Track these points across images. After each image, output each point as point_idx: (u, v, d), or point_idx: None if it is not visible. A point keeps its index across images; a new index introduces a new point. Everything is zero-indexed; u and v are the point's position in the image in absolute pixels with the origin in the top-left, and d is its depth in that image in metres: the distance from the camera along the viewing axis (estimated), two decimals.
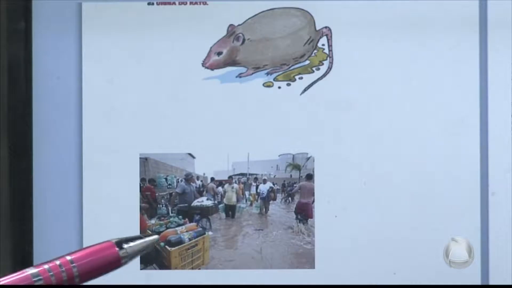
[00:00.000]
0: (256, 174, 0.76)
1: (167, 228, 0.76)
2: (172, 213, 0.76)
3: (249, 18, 0.75)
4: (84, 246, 0.74)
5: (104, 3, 0.75)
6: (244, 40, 0.75)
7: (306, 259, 0.75)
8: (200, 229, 0.76)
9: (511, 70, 0.74)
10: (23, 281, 0.39)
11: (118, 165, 0.75)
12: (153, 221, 0.76)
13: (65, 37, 0.75)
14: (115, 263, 0.41)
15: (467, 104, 0.74)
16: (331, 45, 0.75)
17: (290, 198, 0.76)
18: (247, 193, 0.76)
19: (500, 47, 0.74)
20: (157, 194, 0.76)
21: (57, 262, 0.39)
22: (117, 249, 0.40)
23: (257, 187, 0.76)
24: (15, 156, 0.75)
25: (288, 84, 0.75)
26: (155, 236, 0.42)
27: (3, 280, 0.39)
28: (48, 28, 0.75)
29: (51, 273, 0.39)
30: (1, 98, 0.74)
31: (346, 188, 0.75)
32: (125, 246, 0.41)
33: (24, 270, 0.39)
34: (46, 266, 0.39)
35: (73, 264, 0.40)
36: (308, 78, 0.75)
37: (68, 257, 0.40)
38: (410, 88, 0.75)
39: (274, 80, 0.75)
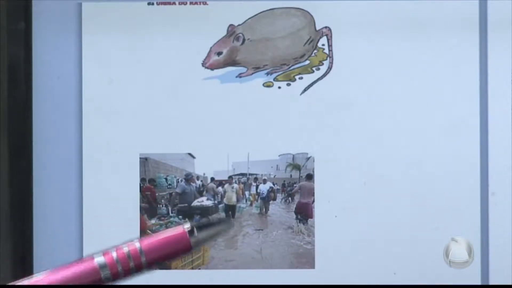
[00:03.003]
0: (256, 174, 0.76)
1: (167, 228, 0.76)
2: (172, 213, 0.76)
3: (249, 18, 0.75)
4: (84, 246, 0.75)
5: (104, 3, 0.75)
6: (244, 40, 0.75)
7: (306, 259, 0.75)
8: None
9: (511, 70, 0.74)
10: (90, 272, 0.37)
11: (118, 165, 0.75)
12: (153, 221, 0.76)
13: (65, 37, 0.75)
14: (184, 252, 0.38)
15: (467, 104, 0.74)
16: (331, 45, 0.75)
17: (290, 198, 0.76)
18: (247, 193, 0.76)
19: (500, 47, 0.74)
20: (157, 194, 0.76)
21: (126, 250, 0.37)
22: (189, 238, 0.38)
23: (257, 187, 0.76)
24: (15, 156, 0.75)
25: (288, 84, 0.75)
26: (229, 223, 0.40)
27: (68, 268, 0.37)
28: (48, 28, 0.75)
29: (119, 265, 0.37)
30: (1, 98, 0.74)
31: (346, 188, 0.75)
32: (197, 233, 0.38)
33: (91, 257, 0.37)
34: (114, 255, 0.37)
35: (142, 254, 0.37)
36: (308, 78, 0.75)
37: (138, 245, 0.37)
38: (410, 88, 0.75)
39: (274, 80, 0.75)
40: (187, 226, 0.38)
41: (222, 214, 0.76)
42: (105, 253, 0.37)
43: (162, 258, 0.38)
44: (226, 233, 0.40)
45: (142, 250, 0.37)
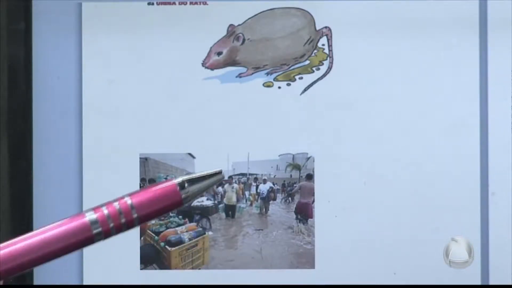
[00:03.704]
0: (256, 174, 0.76)
1: (167, 228, 0.76)
2: (172, 213, 0.76)
3: (249, 18, 0.75)
4: None
5: (104, 3, 0.75)
6: (244, 40, 0.75)
7: (306, 259, 0.75)
8: (200, 229, 0.76)
9: (511, 70, 0.74)
10: (81, 228, 0.36)
11: (118, 165, 0.75)
12: (153, 221, 0.76)
13: (65, 37, 0.75)
14: (176, 206, 0.38)
15: (467, 104, 0.74)
16: (331, 45, 0.75)
17: (290, 198, 0.76)
18: (247, 193, 0.76)
19: (500, 47, 0.74)
20: None
21: (117, 207, 0.37)
22: (180, 192, 0.37)
23: (257, 187, 0.76)
24: (15, 156, 0.75)
25: (288, 84, 0.75)
26: (219, 175, 0.38)
27: (59, 225, 0.37)
28: (48, 28, 0.75)
29: (110, 221, 0.36)
30: (1, 98, 0.74)
31: (346, 188, 0.75)
32: (188, 186, 0.37)
33: (82, 214, 0.37)
34: (105, 212, 0.37)
35: (134, 210, 0.37)
36: (308, 78, 0.75)
37: (129, 201, 0.37)
38: (410, 88, 0.75)
39: (274, 80, 0.75)
40: (177, 180, 0.38)
41: (222, 214, 0.76)
42: (96, 209, 0.37)
43: (154, 213, 0.37)
44: (216, 184, 0.39)
45: (134, 206, 0.37)
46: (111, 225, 0.37)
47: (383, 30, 0.74)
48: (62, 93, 0.75)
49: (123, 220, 0.37)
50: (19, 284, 0.74)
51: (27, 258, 0.37)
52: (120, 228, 0.37)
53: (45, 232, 0.37)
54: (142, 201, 0.37)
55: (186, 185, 0.37)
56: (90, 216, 0.37)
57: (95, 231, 0.36)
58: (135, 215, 0.37)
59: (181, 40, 0.75)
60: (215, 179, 0.38)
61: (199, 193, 0.38)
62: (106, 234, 0.37)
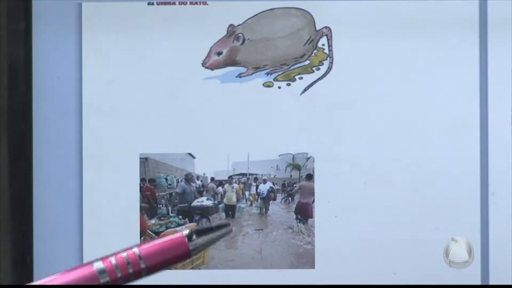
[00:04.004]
0: (256, 174, 0.76)
1: (167, 228, 0.76)
2: (172, 213, 0.76)
3: (249, 18, 0.75)
4: (84, 246, 0.75)
5: (104, 3, 0.75)
6: (244, 40, 0.75)
7: (306, 259, 0.75)
8: None
9: (511, 70, 0.74)
10: (89, 278, 0.37)
11: (118, 165, 0.75)
12: (153, 221, 0.76)
13: (65, 37, 0.75)
14: (184, 258, 0.38)
15: (467, 104, 0.74)
16: (331, 45, 0.75)
17: (290, 198, 0.76)
18: (247, 193, 0.76)
19: (500, 47, 0.74)
20: (157, 194, 0.76)
21: (124, 256, 0.37)
22: (188, 244, 0.38)
23: (257, 187, 0.76)
24: (15, 156, 0.75)
25: (288, 84, 0.75)
26: (228, 227, 0.39)
27: (66, 274, 0.37)
28: (48, 28, 0.75)
29: (118, 272, 0.37)
30: (1, 98, 0.74)
31: (346, 188, 0.75)
32: (196, 238, 0.38)
33: (89, 264, 0.37)
34: (113, 261, 0.37)
35: (142, 260, 0.37)
36: (308, 78, 0.75)
37: (137, 251, 0.37)
38: (410, 88, 0.75)
39: (274, 80, 0.75)
40: (185, 232, 0.38)
41: (222, 214, 0.76)
42: (104, 259, 0.37)
43: (161, 264, 0.38)
44: (225, 238, 0.39)
45: (141, 256, 0.37)
46: (119, 275, 0.37)
47: (383, 30, 0.74)
48: (62, 93, 0.75)
49: (130, 270, 0.37)
50: (19, 284, 0.74)
51: None
52: (128, 278, 0.37)
53: (55, 281, 0.37)
54: (150, 252, 0.38)
55: (194, 237, 0.38)
56: (98, 266, 0.37)
57: (102, 281, 0.37)
58: (143, 266, 0.37)
59: (181, 40, 0.75)
60: (224, 232, 0.38)
61: (208, 245, 0.38)
62: (114, 283, 0.37)
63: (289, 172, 0.76)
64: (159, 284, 0.75)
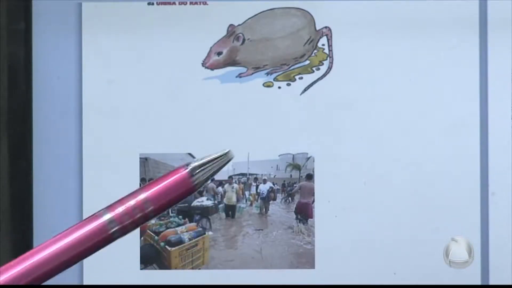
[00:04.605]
0: (256, 174, 0.76)
1: (167, 228, 0.76)
2: (172, 213, 0.76)
3: (249, 18, 0.75)
4: None
5: (104, 3, 0.75)
6: (244, 40, 0.75)
7: (306, 259, 0.75)
8: (200, 229, 0.76)
9: (511, 70, 0.74)
10: (99, 231, 0.37)
11: (118, 165, 0.75)
12: (153, 221, 0.76)
13: (65, 37, 0.75)
14: (188, 193, 0.38)
15: (467, 104, 0.74)
16: (331, 45, 0.75)
17: (290, 198, 0.76)
18: (247, 193, 0.76)
19: (500, 47, 0.74)
20: None
21: (132, 203, 0.37)
22: (191, 180, 0.37)
23: (257, 187, 0.76)
24: (15, 156, 0.75)
25: (288, 84, 0.75)
26: (228, 155, 0.38)
27: (75, 229, 0.37)
28: (48, 28, 0.75)
29: (127, 218, 0.37)
30: (1, 98, 0.74)
31: (346, 188, 0.75)
32: (198, 172, 0.37)
33: (97, 214, 0.37)
34: (120, 209, 0.37)
35: (148, 203, 0.37)
36: (308, 78, 0.75)
37: (143, 196, 0.37)
38: (410, 88, 0.75)
39: (274, 80, 0.75)
40: (187, 168, 0.37)
41: (222, 214, 0.76)
42: (110, 208, 0.37)
43: (167, 203, 0.37)
44: (227, 165, 0.39)
45: (147, 199, 0.37)
46: (128, 221, 0.37)
47: (383, 30, 0.74)
48: (62, 93, 0.75)
49: (138, 215, 0.37)
50: (19, 284, 0.74)
51: (48, 268, 0.37)
52: (137, 223, 0.37)
53: (63, 239, 0.37)
54: (156, 194, 0.37)
55: (196, 171, 0.37)
56: (106, 216, 0.37)
57: (112, 230, 0.37)
58: (150, 209, 0.37)
59: (181, 40, 0.75)
60: (225, 160, 0.38)
61: (211, 177, 0.38)
62: (123, 231, 0.37)
63: (289, 172, 0.76)
64: (159, 284, 0.75)
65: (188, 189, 0.37)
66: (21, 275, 0.36)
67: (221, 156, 0.38)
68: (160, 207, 0.37)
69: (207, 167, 0.38)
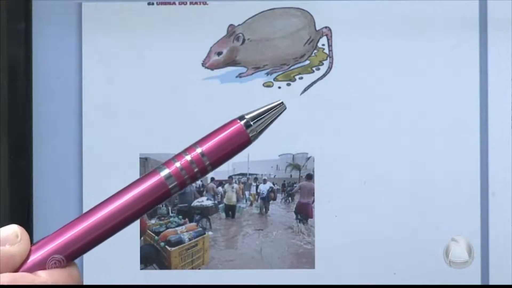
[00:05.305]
0: (256, 174, 0.76)
1: (167, 228, 0.76)
2: (172, 213, 0.76)
3: (249, 18, 0.75)
4: None
5: (104, 3, 0.75)
6: (244, 40, 0.75)
7: (306, 259, 0.75)
8: (200, 229, 0.76)
9: (511, 70, 0.74)
10: (158, 187, 0.37)
11: (118, 165, 0.75)
12: (153, 221, 0.76)
13: (65, 37, 0.75)
14: (245, 145, 0.38)
15: (467, 104, 0.74)
16: (331, 45, 0.75)
17: (290, 198, 0.76)
18: (247, 193, 0.76)
19: (500, 47, 0.74)
20: None
21: (188, 158, 0.37)
22: (247, 131, 0.38)
23: (257, 187, 0.76)
24: (15, 156, 0.75)
25: (288, 84, 0.75)
26: (281, 105, 0.38)
27: (135, 187, 0.37)
28: (48, 28, 0.75)
29: (184, 173, 0.37)
30: (1, 98, 0.74)
31: (346, 188, 0.75)
32: (253, 123, 0.38)
33: (154, 171, 0.37)
34: (178, 165, 0.37)
35: (205, 157, 0.37)
36: (308, 78, 0.75)
37: (199, 149, 0.37)
38: (410, 88, 0.75)
39: (274, 80, 0.75)
40: (242, 120, 0.38)
41: (222, 214, 0.76)
42: (167, 164, 0.37)
43: (224, 157, 0.38)
44: (281, 115, 0.39)
45: (204, 154, 0.37)
46: (186, 176, 0.37)
47: (383, 30, 0.74)
48: (62, 93, 0.75)
49: (196, 170, 0.37)
50: (19, 284, 0.74)
51: (109, 226, 0.37)
52: (195, 177, 0.37)
53: (124, 196, 0.37)
54: (212, 147, 0.37)
55: (251, 123, 0.38)
56: (164, 172, 0.37)
57: (171, 186, 0.37)
58: (207, 163, 0.37)
59: (181, 40, 0.75)
60: (279, 110, 0.38)
61: (266, 128, 0.38)
62: (182, 186, 0.37)
63: (289, 172, 0.76)
64: (159, 284, 0.75)
65: (245, 141, 0.37)
66: (84, 232, 0.36)
67: (275, 106, 0.38)
68: (217, 160, 0.37)
69: (262, 118, 0.38)
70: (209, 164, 0.37)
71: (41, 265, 0.36)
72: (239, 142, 0.38)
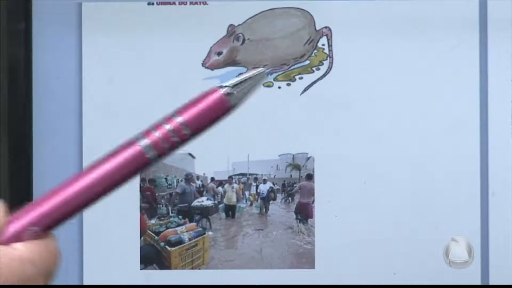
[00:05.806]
0: (256, 174, 0.76)
1: (167, 228, 0.76)
2: (172, 213, 0.76)
3: (249, 18, 0.75)
4: (84, 247, 0.75)
5: (104, 3, 0.75)
6: (244, 40, 0.75)
7: (306, 259, 0.75)
8: (200, 229, 0.76)
9: (511, 70, 0.74)
10: (136, 156, 0.36)
11: None
12: (153, 221, 0.76)
13: (65, 37, 0.75)
14: (225, 114, 0.38)
15: (467, 104, 0.74)
16: (331, 45, 0.75)
17: (290, 198, 0.76)
18: (247, 193, 0.76)
19: (500, 47, 0.74)
20: (157, 194, 0.76)
21: (168, 127, 0.37)
22: (228, 100, 0.37)
23: (257, 187, 0.76)
24: (15, 156, 0.75)
25: (288, 84, 0.75)
26: (261, 72, 0.38)
27: (114, 158, 0.36)
28: (48, 28, 0.75)
29: (164, 143, 0.36)
30: (1, 98, 0.74)
31: (346, 188, 0.75)
32: (234, 91, 0.37)
33: (132, 140, 0.37)
34: (157, 134, 0.37)
35: (185, 126, 0.37)
36: (308, 78, 0.75)
37: (180, 119, 0.37)
38: (410, 88, 0.75)
39: (274, 80, 0.75)
40: (223, 88, 0.37)
41: (222, 214, 0.76)
42: (146, 133, 0.37)
43: (205, 126, 0.37)
44: (261, 84, 0.38)
45: (184, 123, 0.37)
46: (165, 146, 0.36)
47: (383, 30, 0.74)
48: (62, 93, 0.75)
49: (175, 139, 0.36)
50: (19, 285, 0.74)
51: (86, 197, 0.37)
52: (175, 146, 0.36)
53: (101, 166, 0.37)
54: (192, 117, 0.37)
55: (231, 91, 0.37)
56: (143, 142, 0.37)
57: (150, 155, 0.36)
58: (187, 132, 0.37)
59: (181, 40, 0.75)
60: (259, 77, 0.37)
61: (247, 96, 0.37)
62: (161, 155, 0.36)
63: (289, 172, 0.76)
64: (159, 284, 0.75)
65: (225, 109, 0.37)
66: (60, 203, 0.36)
67: (255, 74, 0.37)
68: (197, 130, 0.37)
69: (242, 85, 0.37)
70: (189, 133, 0.37)
71: (17, 237, 0.36)
72: (220, 111, 0.37)
